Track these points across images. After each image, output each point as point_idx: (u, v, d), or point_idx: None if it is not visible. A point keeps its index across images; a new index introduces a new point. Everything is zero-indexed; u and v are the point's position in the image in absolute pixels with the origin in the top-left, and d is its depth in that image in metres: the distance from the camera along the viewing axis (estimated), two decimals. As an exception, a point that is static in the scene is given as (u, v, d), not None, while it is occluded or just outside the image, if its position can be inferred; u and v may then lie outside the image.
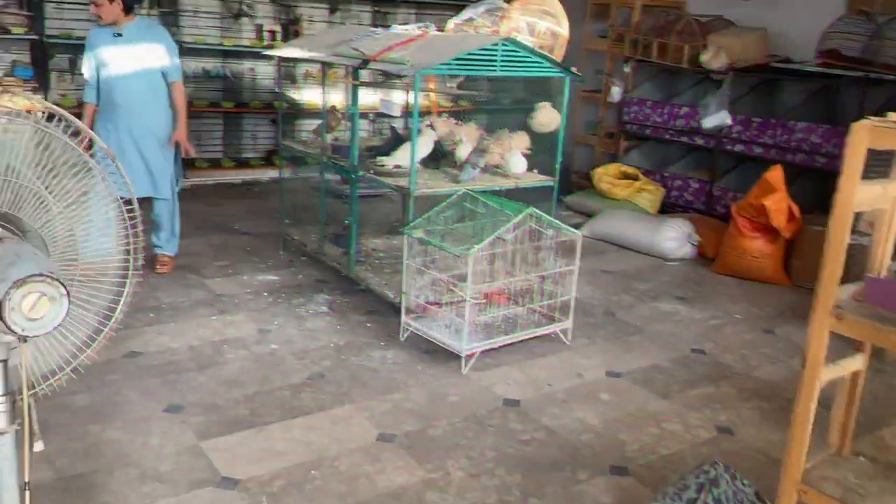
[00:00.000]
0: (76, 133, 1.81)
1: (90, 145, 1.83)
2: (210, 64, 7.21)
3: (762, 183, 5.30)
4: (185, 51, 6.76)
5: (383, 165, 4.35)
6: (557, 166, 4.50)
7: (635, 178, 6.92)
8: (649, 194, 6.82)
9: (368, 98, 6.58)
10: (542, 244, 3.95)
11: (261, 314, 4.33)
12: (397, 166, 4.34)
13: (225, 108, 7.10)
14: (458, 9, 8.58)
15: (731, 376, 3.91)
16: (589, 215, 6.92)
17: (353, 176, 4.45)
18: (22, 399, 1.58)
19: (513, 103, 7.67)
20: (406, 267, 3.95)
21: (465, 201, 4.16)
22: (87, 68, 4.58)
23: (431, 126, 4.68)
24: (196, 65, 7.09)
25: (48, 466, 2.76)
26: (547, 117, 4.38)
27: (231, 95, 7.32)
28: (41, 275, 1.46)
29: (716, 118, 6.37)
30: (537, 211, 3.84)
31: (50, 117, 1.77)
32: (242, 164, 7.32)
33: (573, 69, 4.36)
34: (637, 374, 3.87)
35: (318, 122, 5.04)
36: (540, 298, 4.12)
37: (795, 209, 5.27)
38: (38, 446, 1.66)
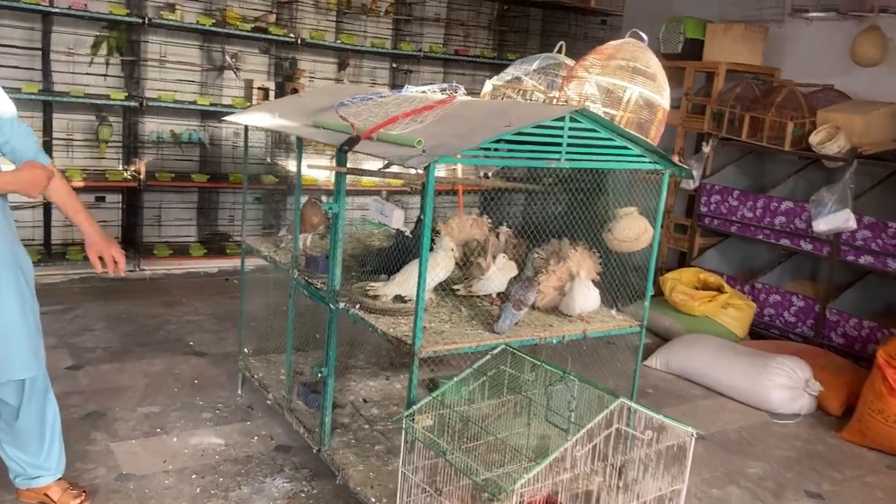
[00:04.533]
0: None
1: None
2: (180, 126, 5.78)
3: (929, 324, 3.68)
4: (145, 109, 5.39)
5: (376, 296, 2.81)
6: (647, 304, 2.94)
7: (718, 289, 5.31)
8: (736, 311, 5.20)
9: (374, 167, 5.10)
10: (634, 453, 2.35)
11: (174, 524, 2.75)
12: (399, 298, 2.81)
13: (197, 182, 5.64)
14: (498, 68, 7.20)
15: None
16: (656, 333, 5.32)
17: (331, 306, 2.91)
18: None
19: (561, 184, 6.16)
20: (402, 478, 2.37)
21: (502, 363, 2.60)
22: None
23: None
24: (160, 127, 5.67)
25: None
26: (634, 230, 2.85)
27: (207, 166, 5.89)
28: None
29: (834, 219, 4.78)
30: (630, 402, 2.25)
31: None
32: (218, 251, 5.82)
33: (675, 159, 2.83)
34: None
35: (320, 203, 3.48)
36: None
37: (978, 364, 3.63)
38: None
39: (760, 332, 5.30)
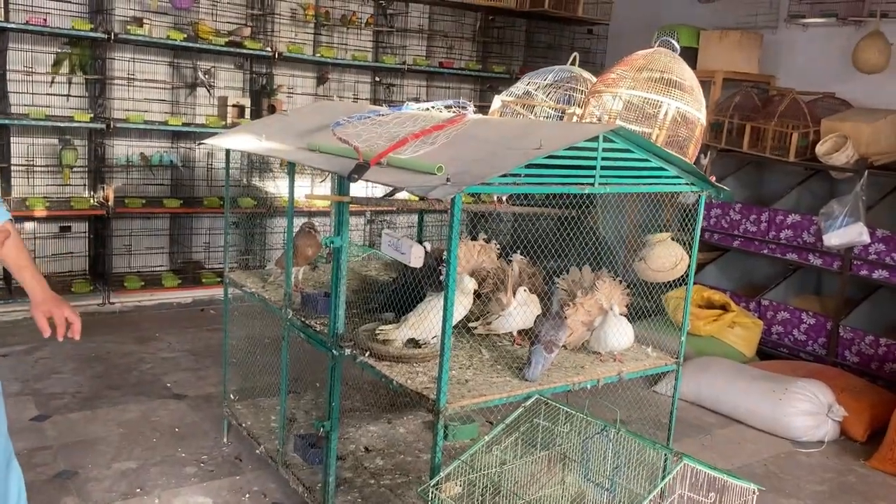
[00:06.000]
0: None
1: None
2: (151, 148, 5.41)
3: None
4: (112, 130, 5.03)
5: (386, 340, 2.49)
6: (683, 339, 2.67)
7: (723, 308, 5.07)
8: (743, 330, 4.97)
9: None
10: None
11: None
12: (412, 342, 2.50)
13: (169, 208, 5.27)
14: (483, 80, 6.94)
15: None
16: (661, 357, 5.06)
17: (333, 352, 2.59)
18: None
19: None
20: (429, 556, 2.06)
21: (536, 415, 2.30)
22: None
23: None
24: (129, 149, 5.29)
25: None
26: (670, 259, 2.59)
27: (179, 190, 5.52)
28: None
29: (846, 233, 4.58)
30: (693, 462, 1.96)
31: None
32: (192, 280, 5.45)
33: (713, 178, 2.58)
34: None
35: (316, 230, 3.13)
36: None
37: None
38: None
39: (768, 352, 5.08)
